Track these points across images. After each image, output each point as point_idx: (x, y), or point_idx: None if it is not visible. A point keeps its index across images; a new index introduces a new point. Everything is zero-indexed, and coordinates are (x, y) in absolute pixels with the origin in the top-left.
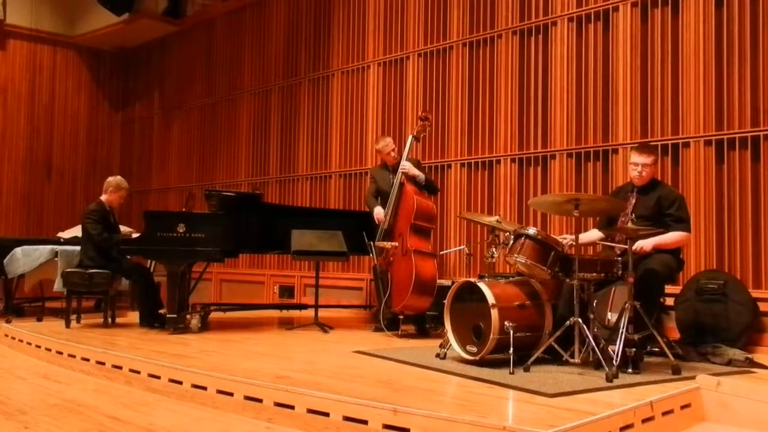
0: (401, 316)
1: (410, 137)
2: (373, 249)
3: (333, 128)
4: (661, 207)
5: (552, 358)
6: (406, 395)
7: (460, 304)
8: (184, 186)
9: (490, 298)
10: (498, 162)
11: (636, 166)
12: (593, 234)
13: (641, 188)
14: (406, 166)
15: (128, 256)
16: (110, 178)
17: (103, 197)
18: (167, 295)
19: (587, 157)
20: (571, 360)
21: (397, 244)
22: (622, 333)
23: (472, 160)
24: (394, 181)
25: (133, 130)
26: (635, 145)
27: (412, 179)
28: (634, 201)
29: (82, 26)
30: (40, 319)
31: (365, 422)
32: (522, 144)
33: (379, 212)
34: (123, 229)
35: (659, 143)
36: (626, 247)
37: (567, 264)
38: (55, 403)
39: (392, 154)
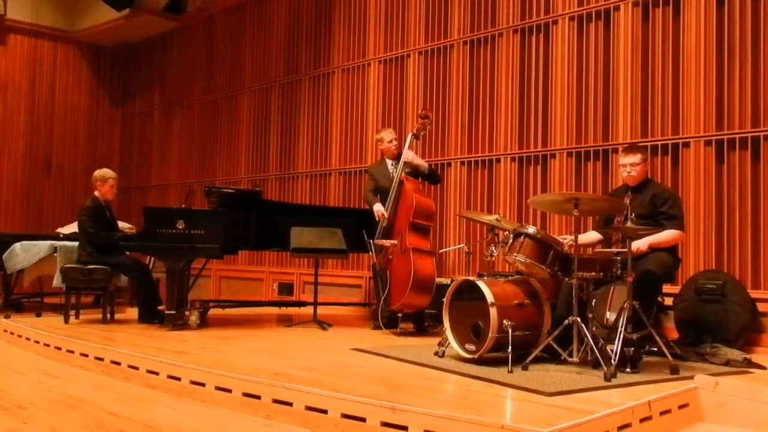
0: (400, 314)
1: (410, 135)
2: (372, 247)
3: (333, 126)
4: (655, 205)
5: (550, 357)
6: (404, 393)
7: (459, 303)
8: (183, 182)
9: (489, 297)
10: (498, 161)
11: (624, 167)
12: (592, 235)
13: (635, 188)
14: (409, 156)
15: (127, 252)
16: (95, 172)
17: (96, 192)
18: (166, 292)
19: (587, 157)
20: (570, 359)
21: (396, 242)
22: (620, 332)
23: (472, 159)
24: (394, 177)
25: (134, 126)
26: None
27: (414, 169)
28: (629, 201)
29: (83, 21)
30: (39, 315)
31: (363, 420)
32: (522, 143)
33: (379, 208)
34: (121, 224)
35: (659, 143)
36: (625, 250)
37: (566, 263)
38: (54, 399)
39: (394, 142)
